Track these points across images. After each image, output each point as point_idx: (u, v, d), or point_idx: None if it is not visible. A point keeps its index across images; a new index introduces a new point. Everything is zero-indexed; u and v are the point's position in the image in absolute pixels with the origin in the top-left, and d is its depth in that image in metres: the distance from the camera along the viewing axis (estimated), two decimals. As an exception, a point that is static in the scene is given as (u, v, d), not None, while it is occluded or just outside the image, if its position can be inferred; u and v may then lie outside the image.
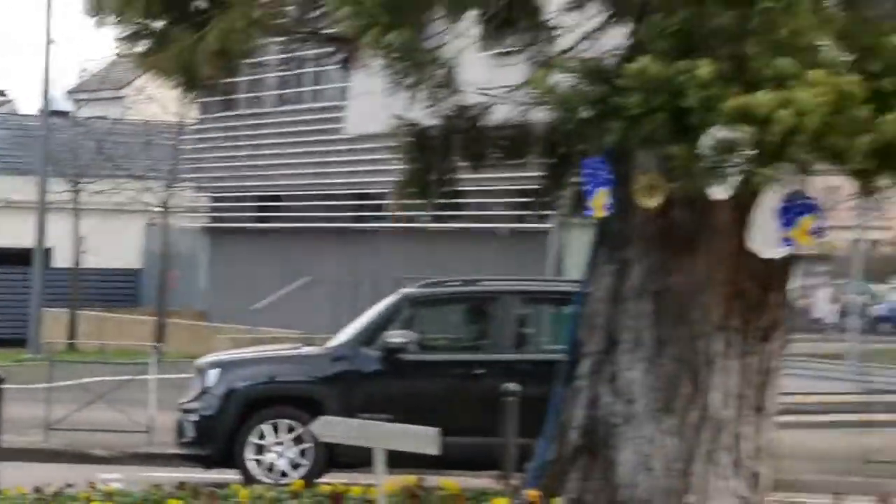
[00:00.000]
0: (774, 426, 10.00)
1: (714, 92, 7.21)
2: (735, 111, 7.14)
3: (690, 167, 7.64)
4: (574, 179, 10.28)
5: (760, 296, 9.63)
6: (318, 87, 30.25)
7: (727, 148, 7.32)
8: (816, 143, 7.20)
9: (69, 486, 11.16)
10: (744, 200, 8.46)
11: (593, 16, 9.11)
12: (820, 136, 7.15)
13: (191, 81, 10.15)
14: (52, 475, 12.13)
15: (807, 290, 25.00)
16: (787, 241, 8.40)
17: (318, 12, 9.91)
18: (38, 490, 10.97)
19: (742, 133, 7.15)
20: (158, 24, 9.83)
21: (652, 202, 8.49)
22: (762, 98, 7.11)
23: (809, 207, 8.30)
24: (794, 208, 8.36)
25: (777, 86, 7.18)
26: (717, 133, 7.30)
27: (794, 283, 11.23)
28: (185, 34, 9.60)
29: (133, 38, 9.99)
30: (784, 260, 9.22)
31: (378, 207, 22.62)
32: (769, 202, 8.28)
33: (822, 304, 25.40)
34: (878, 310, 25.90)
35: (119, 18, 9.78)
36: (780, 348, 9.87)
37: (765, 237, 8.41)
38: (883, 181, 8.51)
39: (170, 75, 10.19)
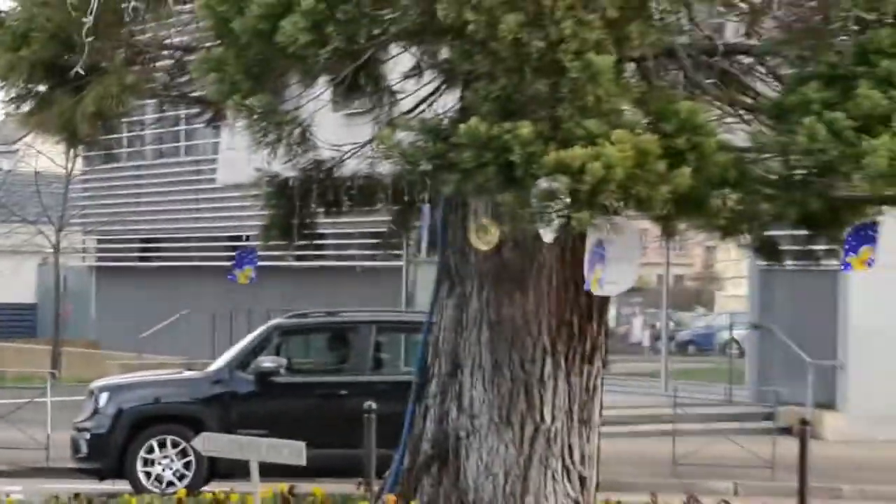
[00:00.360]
0: (598, 435, 9.99)
1: (535, 148, 7.16)
2: (553, 164, 7.09)
3: (518, 213, 7.58)
4: (416, 223, 10.34)
5: (582, 324, 9.62)
6: (190, 143, 30.40)
7: (548, 196, 7.26)
8: (623, 192, 7.18)
9: None
10: (566, 242, 8.41)
11: (429, 82, 9.06)
12: (626, 186, 7.14)
13: (72, 138, 9.91)
14: (-41, 489, 11.83)
15: (624, 317, 25.44)
16: (847, 265, 8.36)
17: (186, 77, 9.74)
18: None
19: (560, 183, 7.11)
20: (41, 88, 9.56)
21: (484, 244, 8.41)
22: (576, 153, 7.08)
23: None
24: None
25: (588, 143, 7.15)
26: (541, 183, 7.23)
27: (612, 312, 11.38)
28: (65, 97, 9.36)
29: (18, 99, 9.73)
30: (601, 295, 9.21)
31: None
32: (593, 244, 8.22)
33: (637, 329, 25.76)
34: (684, 335, 26.38)
35: (4, 82, 9.51)
36: (600, 369, 9.88)
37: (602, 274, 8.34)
38: (681, 225, 8.59)
39: (53, 133, 10.01)
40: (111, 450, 13.97)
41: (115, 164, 32.34)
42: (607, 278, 8.39)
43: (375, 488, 10.75)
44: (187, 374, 15.73)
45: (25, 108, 9.75)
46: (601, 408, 9.98)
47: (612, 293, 8.87)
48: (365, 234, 21.35)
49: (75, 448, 14.39)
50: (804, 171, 7.54)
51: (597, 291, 8.52)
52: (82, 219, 34.77)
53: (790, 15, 8.18)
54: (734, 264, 23.85)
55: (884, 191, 7.36)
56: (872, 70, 7.26)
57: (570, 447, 9.62)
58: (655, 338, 24.62)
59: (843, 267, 8.54)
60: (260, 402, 14.11)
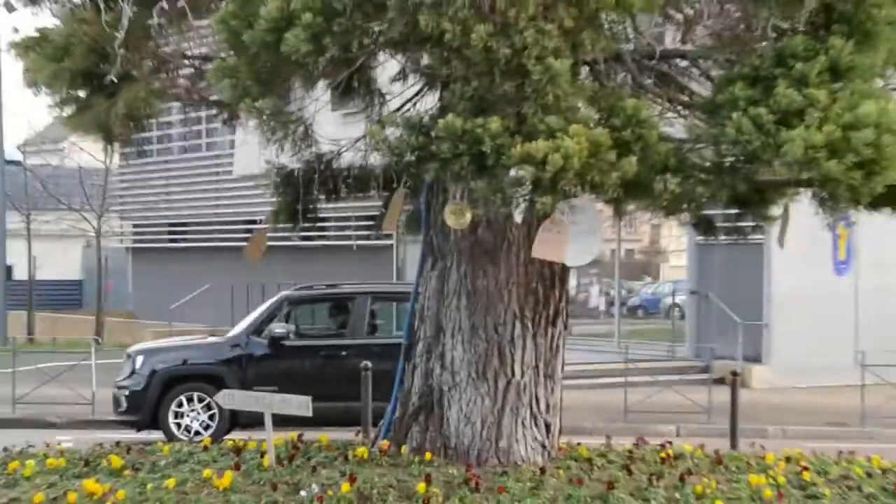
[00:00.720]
0: (561, 388, 9.97)
1: (503, 141, 7.14)
2: (519, 155, 7.06)
3: (489, 197, 7.56)
4: (407, 206, 10.30)
5: (546, 292, 9.61)
6: (210, 140, 30.28)
7: (516, 183, 7.25)
8: (579, 179, 7.15)
9: (31, 446, 11.02)
10: (531, 222, 8.37)
11: (413, 84, 9.02)
12: (581, 174, 7.11)
13: (108, 137, 9.87)
14: (18, 439, 11.75)
15: (583, 286, 25.51)
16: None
17: (204, 83, 9.70)
18: (6, 450, 10.77)
19: (525, 172, 7.10)
20: (80, 94, 9.51)
21: (460, 224, 8.39)
22: (538, 145, 7.05)
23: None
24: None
25: (548, 136, 7.12)
26: (509, 172, 7.22)
27: (572, 282, 11.40)
28: (101, 101, 9.32)
29: (61, 104, 9.67)
30: (563, 266, 9.22)
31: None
32: (552, 225, 8.22)
33: (594, 296, 25.83)
34: (633, 300, 26.50)
35: (49, 90, 9.46)
36: (562, 330, 9.85)
37: (544, 250, 8.35)
38: (630, 206, 8.59)
39: (91, 133, 9.94)
40: (146, 404, 14.02)
41: (147, 159, 32.28)
42: (573, 252, 8.42)
43: (372, 435, 10.76)
44: (210, 339, 15.72)
45: (67, 111, 9.69)
46: (563, 364, 9.96)
47: (578, 265, 8.87)
48: (360, 216, 21.44)
49: (116, 403, 14.46)
50: (733, 159, 7.54)
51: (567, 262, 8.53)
52: (120, 206, 34.73)
53: (719, 24, 8.16)
54: (676, 239, 23.99)
55: (800, 175, 7.36)
56: (788, 72, 7.24)
57: (537, 398, 9.63)
58: (609, 303, 24.68)
59: (763, 240, 8.51)
60: (272, 363, 14.11)
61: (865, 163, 7.12)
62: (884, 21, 7.34)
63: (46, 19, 9.65)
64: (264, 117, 8.07)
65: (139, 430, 14.20)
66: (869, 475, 9.92)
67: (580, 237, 8.34)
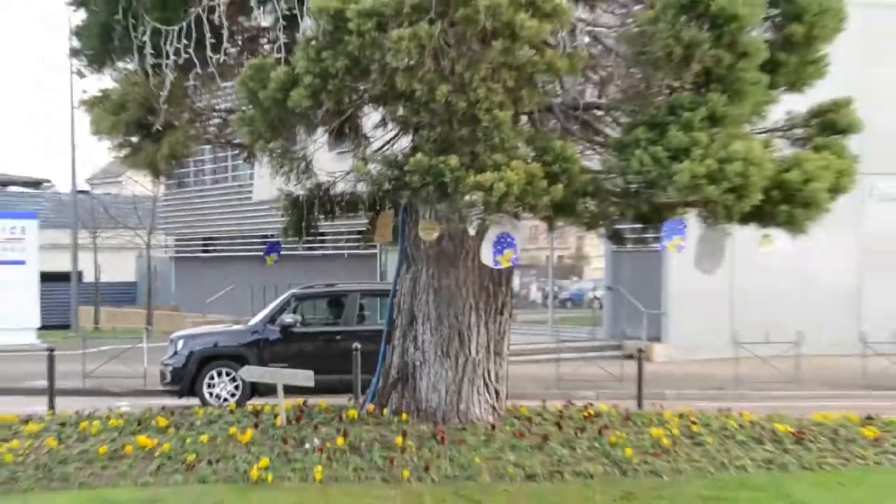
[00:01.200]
0: (507, 363, 9.98)
1: (460, 174, 7.14)
2: (472, 184, 7.08)
3: (450, 216, 7.56)
4: (383, 218, 10.22)
5: (495, 289, 9.63)
6: (234, 173, 30.03)
7: (470, 205, 7.26)
8: (519, 202, 7.18)
9: (96, 410, 10.99)
10: (483, 235, 8.34)
11: (390, 130, 9.00)
12: (520, 198, 7.13)
13: (154, 173, 9.75)
14: (86, 404, 11.72)
15: (524, 284, 25.46)
16: (497, 262, 8.30)
17: (229, 130, 9.64)
18: (77, 413, 10.78)
19: (477, 197, 7.10)
20: (133, 139, 9.40)
21: (429, 237, 8.38)
22: (487, 176, 7.06)
23: (510, 244, 8.22)
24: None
25: (495, 169, 7.14)
26: (465, 197, 7.21)
27: (515, 280, 11.38)
28: (149, 145, 9.22)
29: (118, 147, 9.54)
30: (508, 269, 9.19)
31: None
32: (491, 238, 8.21)
33: (533, 292, 25.78)
34: (563, 295, 26.48)
35: (109, 136, 9.35)
36: (508, 318, 9.86)
37: (489, 257, 8.33)
38: (559, 222, 8.61)
39: (142, 169, 9.82)
40: (186, 378, 13.77)
41: (185, 189, 32.40)
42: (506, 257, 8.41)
43: (360, 401, 10.71)
44: (235, 327, 15.49)
45: (124, 152, 9.57)
46: (509, 344, 9.97)
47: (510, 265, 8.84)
48: (351, 231, 21.31)
49: (162, 377, 14.24)
50: (636, 186, 7.58)
51: (505, 265, 8.52)
52: (164, 225, 34.39)
53: (626, 84, 8.19)
54: (595, 248, 23.96)
55: (687, 198, 7.43)
56: (678, 119, 7.29)
57: (488, 371, 9.64)
58: (545, 297, 24.62)
59: (660, 247, 8.52)
60: (283, 345, 13.91)
61: (736, 188, 7.21)
62: (749, 82, 7.42)
63: (107, 82, 9.59)
64: (275, 156, 8.07)
65: (180, 397, 13.97)
66: (741, 426, 9.99)
67: (489, 249, 8.34)
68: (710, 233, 8.14)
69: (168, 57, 8.22)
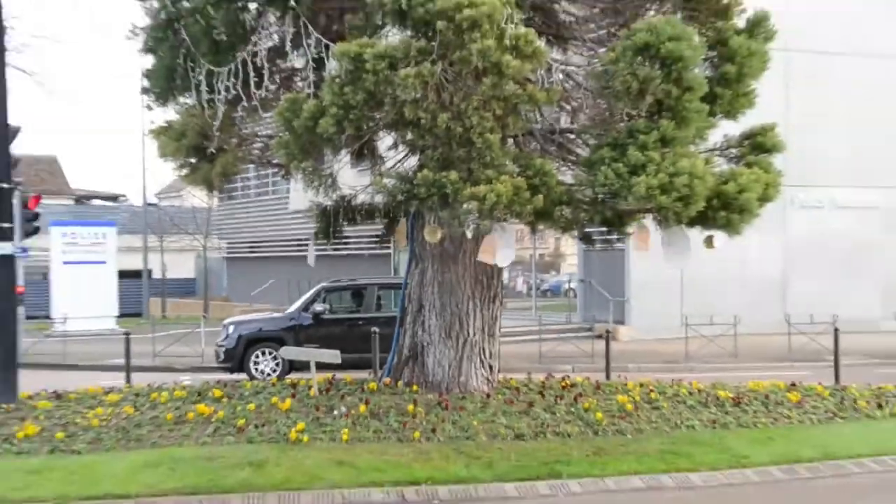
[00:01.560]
0: (499, 342, 9.93)
1: (458, 186, 7.13)
2: (469, 195, 7.07)
3: (451, 222, 7.52)
4: (399, 228, 10.19)
5: (489, 282, 9.57)
6: (275, 187, 30.01)
7: (467, 213, 7.24)
8: (507, 210, 7.17)
9: (164, 383, 10.96)
10: (478, 238, 8.33)
11: (401, 151, 8.96)
12: (508, 206, 7.12)
13: (209, 188, 9.77)
14: (155, 378, 11.76)
15: (513, 277, 25.46)
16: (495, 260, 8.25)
17: (269, 152, 9.62)
18: (149, 385, 10.71)
19: (473, 205, 7.08)
20: (192, 160, 9.39)
21: (434, 239, 8.34)
22: (481, 189, 7.06)
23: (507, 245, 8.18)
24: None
25: (487, 183, 7.12)
26: (463, 206, 7.19)
27: (506, 274, 11.33)
28: (205, 165, 9.22)
29: (180, 167, 9.54)
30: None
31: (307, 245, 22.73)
32: (490, 239, 8.18)
33: (520, 283, 25.77)
34: (544, 286, 26.46)
35: (173, 159, 9.34)
36: (500, 306, 9.82)
37: (494, 256, 8.30)
38: (540, 226, 8.55)
39: (199, 185, 9.82)
40: (236, 357, 13.74)
41: (234, 201, 32.38)
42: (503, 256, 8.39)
43: (378, 375, 10.66)
44: (276, 314, 15.43)
45: (184, 171, 9.55)
46: (500, 327, 9.91)
47: (505, 264, 8.81)
48: (370, 235, 21.29)
49: (216, 356, 14.20)
50: (602, 196, 7.57)
51: (494, 263, 8.49)
52: (218, 231, 34.43)
53: (593, 112, 8.21)
54: (570, 247, 23.94)
55: (644, 206, 7.43)
56: (636, 141, 7.30)
57: (483, 349, 9.58)
58: (529, 288, 24.65)
59: (623, 246, 8.46)
60: (315, 330, 13.83)
61: (684, 198, 7.20)
62: (693, 111, 7.44)
63: (170, 115, 9.60)
64: (307, 173, 8.05)
65: (231, 373, 13.94)
66: (690, 393, 9.96)
67: (507, 248, 8.30)
68: (672, 236, 8.11)
69: (220, 93, 8.22)
